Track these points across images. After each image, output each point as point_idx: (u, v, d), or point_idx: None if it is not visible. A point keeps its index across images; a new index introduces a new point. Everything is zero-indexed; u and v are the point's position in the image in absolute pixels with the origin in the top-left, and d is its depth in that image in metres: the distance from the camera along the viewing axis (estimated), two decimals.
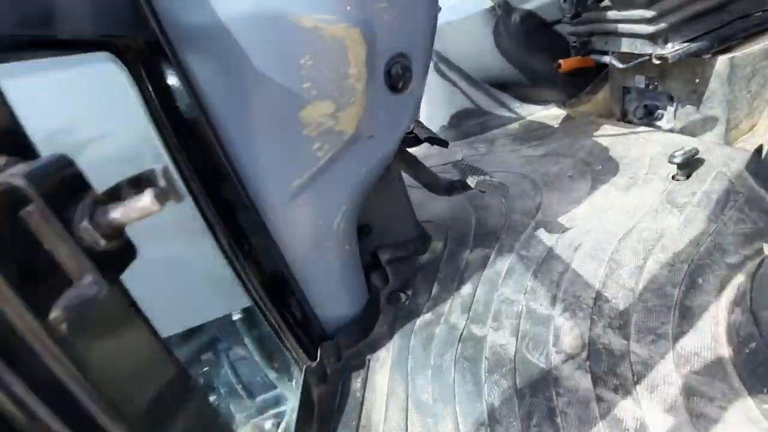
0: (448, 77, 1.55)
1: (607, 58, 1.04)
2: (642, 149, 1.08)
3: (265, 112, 0.58)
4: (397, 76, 0.65)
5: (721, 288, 0.66)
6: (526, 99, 1.57)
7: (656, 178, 0.97)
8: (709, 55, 0.89)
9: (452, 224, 1.07)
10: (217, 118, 0.56)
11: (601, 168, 1.10)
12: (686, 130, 1.06)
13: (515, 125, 1.57)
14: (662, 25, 0.86)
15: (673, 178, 0.94)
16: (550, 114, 1.53)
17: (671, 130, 1.12)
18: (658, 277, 0.72)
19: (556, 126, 1.45)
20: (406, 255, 1.01)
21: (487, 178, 0.82)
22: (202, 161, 0.58)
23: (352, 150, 0.65)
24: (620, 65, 0.99)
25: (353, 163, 0.67)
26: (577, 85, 1.46)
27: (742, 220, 0.77)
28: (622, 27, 0.94)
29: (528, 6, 1.30)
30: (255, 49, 0.53)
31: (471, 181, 0.82)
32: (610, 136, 1.20)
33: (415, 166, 0.96)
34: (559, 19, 1.28)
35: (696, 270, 0.71)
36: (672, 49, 0.87)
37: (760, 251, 0.70)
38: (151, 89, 0.51)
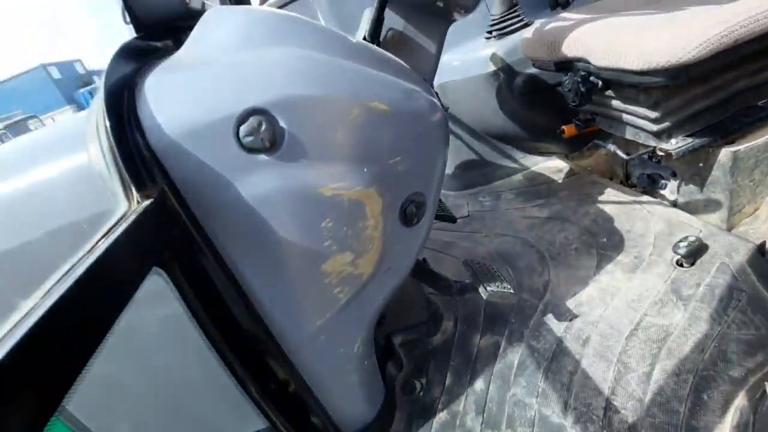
0: (451, 130, 1.57)
1: (611, 147, 1.06)
2: (646, 224, 1.11)
3: (289, 270, 0.60)
4: (412, 214, 0.67)
5: (725, 408, 0.69)
6: (528, 150, 1.58)
7: (661, 261, 0.99)
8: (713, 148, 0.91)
9: (461, 299, 1.10)
10: (242, 275, 0.59)
11: (606, 241, 1.13)
12: (689, 207, 1.08)
13: (519, 176, 1.59)
14: (666, 124, 0.88)
15: (677, 263, 0.96)
16: (553, 166, 1.55)
17: (674, 202, 1.14)
18: (665, 389, 0.75)
19: (559, 181, 1.47)
20: (419, 337, 1.04)
21: (498, 287, 0.84)
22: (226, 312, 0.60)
23: (370, 285, 0.68)
24: (624, 156, 1.01)
25: (371, 295, 0.69)
26: (581, 138, 1.48)
27: (745, 324, 0.80)
28: (627, 117, 0.96)
29: (531, 71, 1.31)
30: (280, 220, 0.56)
31: (483, 292, 0.84)
32: (613, 203, 1.23)
33: (427, 274, 0.99)
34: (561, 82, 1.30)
35: (701, 383, 0.74)
36: (676, 145, 0.89)
37: (762, 364, 0.73)
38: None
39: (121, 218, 0.43)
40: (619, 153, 1.02)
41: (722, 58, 0.70)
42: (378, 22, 0.63)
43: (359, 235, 0.61)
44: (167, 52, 0.61)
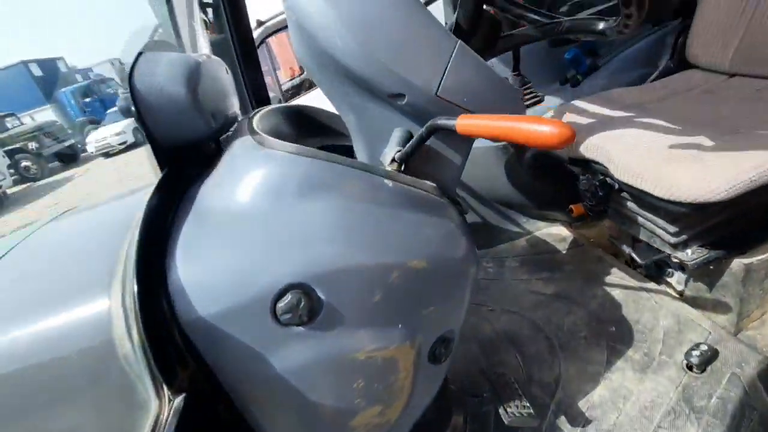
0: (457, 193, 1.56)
1: (626, 249, 1.06)
2: (654, 316, 1.11)
3: (319, 428, 0.57)
4: (441, 354, 0.65)
5: None
6: (532, 216, 1.59)
7: (671, 363, 0.99)
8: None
9: (470, 390, 1.08)
10: None
11: (614, 330, 1.13)
12: (697, 302, 1.09)
13: (522, 242, 1.59)
14: (684, 237, 0.88)
15: (687, 367, 0.96)
16: (557, 234, 1.56)
17: (681, 293, 1.15)
18: None
19: (563, 252, 1.48)
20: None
21: (519, 410, 0.83)
22: None
23: (394, 429, 0.65)
24: (639, 260, 1.01)
25: None
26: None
27: None
28: (642, 221, 0.96)
29: None
30: (313, 388, 0.53)
31: (504, 416, 0.82)
32: (620, 287, 1.23)
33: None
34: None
35: None
36: (691, 256, 0.90)
37: None
38: None
39: (155, 425, 0.40)
40: (634, 256, 1.03)
41: (749, 195, 0.71)
42: (419, 146, 0.61)
43: (390, 388, 0.59)
44: (194, 186, 0.58)
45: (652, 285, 1.20)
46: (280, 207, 0.51)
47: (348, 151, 0.74)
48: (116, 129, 11.81)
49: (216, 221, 0.52)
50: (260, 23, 3.89)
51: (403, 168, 0.62)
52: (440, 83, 0.54)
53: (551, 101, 1.34)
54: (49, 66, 19.72)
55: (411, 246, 0.56)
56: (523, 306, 1.31)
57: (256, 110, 0.78)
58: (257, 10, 3.94)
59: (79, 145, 13.42)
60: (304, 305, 0.48)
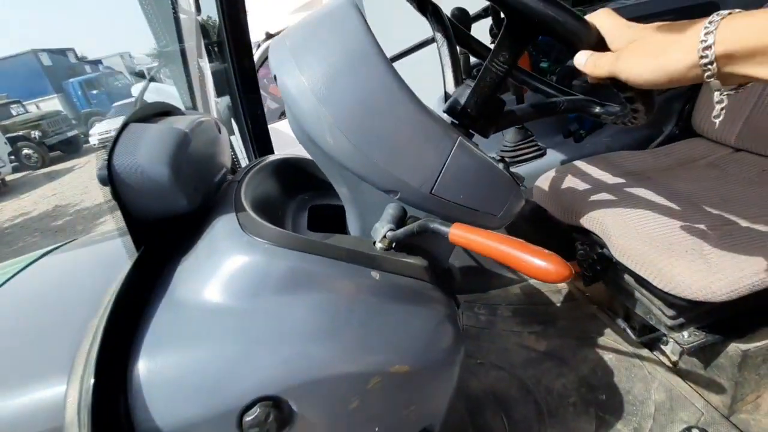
0: None
1: (621, 323, 1.03)
2: (647, 388, 1.08)
3: None
4: None
5: None
6: None
7: None
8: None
9: None
10: None
11: (605, 399, 1.10)
12: (690, 376, 1.06)
13: (516, 289, 1.56)
14: (681, 320, 0.86)
15: None
16: (553, 285, 1.53)
17: (675, 364, 1.12)
18: None
19: (557, 305, 1.45)
20: None
21: None
22: None
23: None
24: (634, 337, 0.99)
25: None
26: None
27: None
28: (640, 297, 0.94)
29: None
30: None
31: None
32: (613, 351, 1.20)
33: None
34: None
35: None
36: (688, 339, 0.87)
37: None
38: None
39: None
40: (629, 332, 1.00)
41: (750, 296, 0.69)
42: (409, 236, 0.58)
43: None
44: (171, 264, 0.55)
45: (645, 352, 1.17)
46: (257, 306, 0.48)
47: (341, 210, 0.71)
48: (120, 123, 11.79)
49: (188, 315, 0.49)
50: (269, 36, 3.91)
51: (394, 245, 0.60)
52: (436, 182, 0.51)
53: (553, 155, 1.32)
54: (59, 56, 19.79)
55: (394, 346, 0.53)
56: (513, 362, 1.28)
57: (247, 169, 0.76)
58: (266, 22, 3.97)
59: (83, 136, 13.41)
60: (273, 419, 0.45)
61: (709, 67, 0.36)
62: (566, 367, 1.21)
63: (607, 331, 1.28)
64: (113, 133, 0.57)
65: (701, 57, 0.36)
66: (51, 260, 0.75)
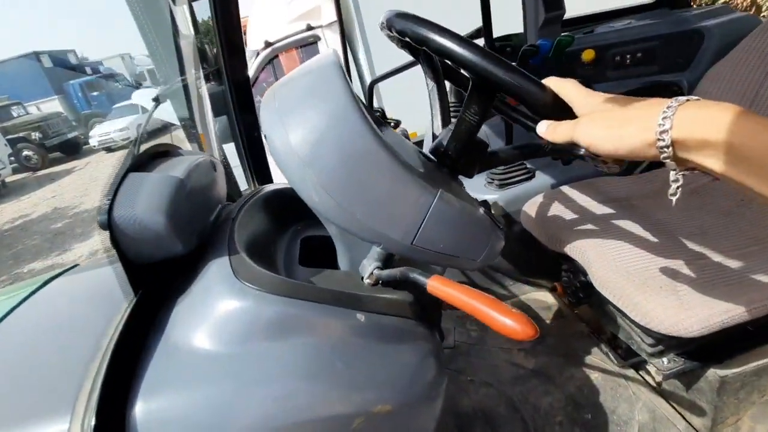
0: None
1: (605, 346, 1.06)
2: (631, 408, 1.11)
3: None
4: None
5: None
6: (518, 279, 1.59)
7: None
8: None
9: None
10: None
11: (590, 419, 1.13)
12: (673, 397, 1.09)
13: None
14: (660, 348, 0.89)
15: None
16: (542, 300, 1.56)
17: (659, 384, 1.15)
18: None
19: (547, 321, 1.48)
20: None
21: None
22: None
23: None
24: (615, 362, 1.02)
25: None
26: None
27: None
28: (621, 322, 0.97)
29: None
30: None
31: None
32: (599, 371, 1.23)
33: None
34: None
35: None
36: (667, 365, 0.90)
37: None
38: None
39: None
40: (611, 357, 1.03)
41: (722, 331, 0.72)
42: (393, 281, 0.61)
43: None
44: (167, 308, 0.58)
45: (631, 372, 1.20)
46: (247, 350, 0.51)
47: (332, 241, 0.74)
48: (120, 124, 11.86)
49: (183, 359, 0.52)
50: (268, 44, 3.94)
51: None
52: (416, 235, 0.54)
53: (542, 177, 1.35)
54: (60, 58, 19.83)
55: (378, 386, 0.56)
56: (502, 379, 1.31)
57: (242, 203, 0.79)
58: (265, 30, 4.00)
59: (83, 138, 13.46)
60: None
61: (666, 149, 0.37)
62: (553, 385, 1.24)
63: (594, 350, 1.31)
64: (113, 179, 0.60)
65: (658, 139, 0.37)
66: (51, 291, 0.78)
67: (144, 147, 0.72)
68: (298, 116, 0.52)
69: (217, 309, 0.53)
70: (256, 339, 0.52)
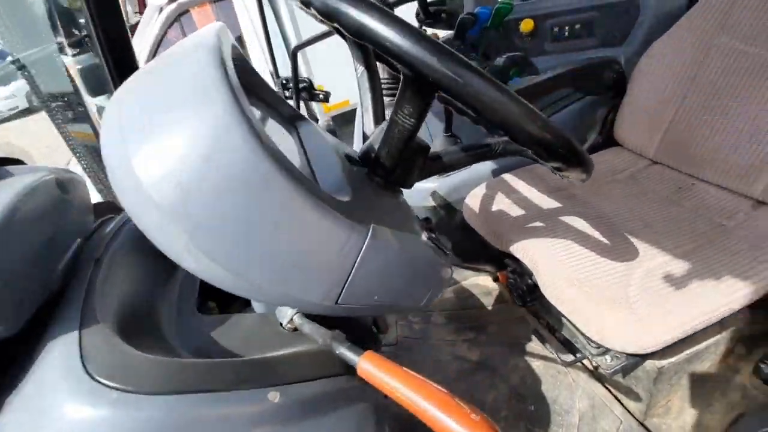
0: None
1: (547, 346, 1.03)
2: (571, 396, 1.12)
3: None
4: None
5: None
6: (460, 266, 1.54)
7: None
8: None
9: None
10: None
11: (533, 410, 1.12)
12: (610, 382, 1.11)
13: (449, 293, 1.54)
14: (603, 349, 0.86)
15: None
16: (483, 286, 1.53)
17: (596, 368, 1.16)
18: None
19: (489, 308, 1.45)
20: None
21: None
22: None
23: None
24: (559, 359, 0.99)
25: None
26: None
27: None
28: (565, 322, 0.93)
29: None
30: None
31: None
32: (541, 358, 1.23)
33: None
34: None
35: None
36: (610, 363, 0.88)
37: None
38: None
39: None
40: (557, 357, 1.00)
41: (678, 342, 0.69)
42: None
43: None
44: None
45: (570, 358, 1.20)
46: None
47: None
48: (4, 92, 10.08)
49: None
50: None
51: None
52: (341, 293, 0.41)
53: (482, 164, 1.27)
54: None
55: None
56: (446, 374, 1.26)
57: (116, 230, 0.60)
58: None
59: None
60: None
61: None
62: (498, 377, 1.22)
63: (534, 339, 1.30)
64: None
65: None
66: None
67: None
68: (153, 139, 0.34)
69: (56, 428, 0.37)
70: None
